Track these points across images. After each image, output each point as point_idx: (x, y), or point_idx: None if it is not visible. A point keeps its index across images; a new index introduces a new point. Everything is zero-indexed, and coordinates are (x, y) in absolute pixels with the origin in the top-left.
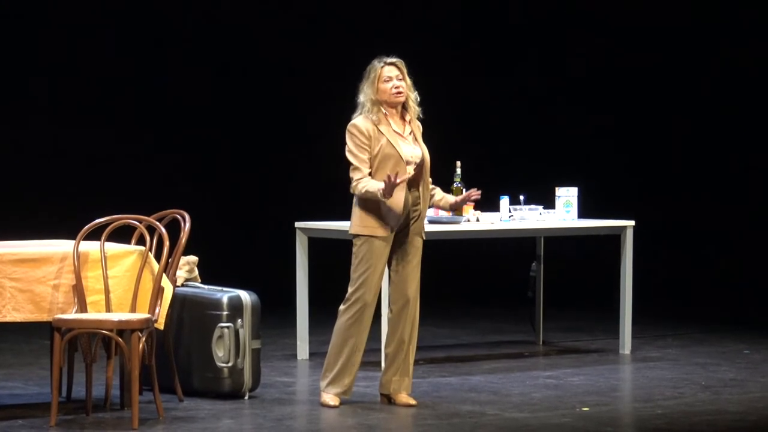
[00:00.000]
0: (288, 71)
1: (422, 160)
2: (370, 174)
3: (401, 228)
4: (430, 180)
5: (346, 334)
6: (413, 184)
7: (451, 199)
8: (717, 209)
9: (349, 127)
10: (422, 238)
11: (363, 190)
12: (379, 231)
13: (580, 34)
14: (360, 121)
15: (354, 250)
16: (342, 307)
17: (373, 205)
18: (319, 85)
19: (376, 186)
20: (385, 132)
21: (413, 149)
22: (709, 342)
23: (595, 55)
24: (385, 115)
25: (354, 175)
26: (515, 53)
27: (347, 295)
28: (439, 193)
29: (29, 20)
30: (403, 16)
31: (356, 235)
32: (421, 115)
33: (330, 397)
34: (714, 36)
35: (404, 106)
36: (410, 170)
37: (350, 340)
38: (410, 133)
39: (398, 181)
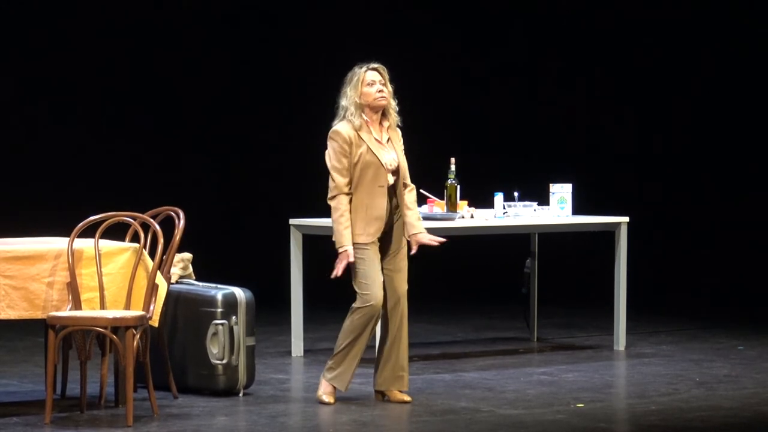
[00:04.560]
0: (282, 68)
1: (398, 166)
2: (350, 184)
3: (386, 231)
4: (413, 185)
5: (356, 332)
6: (393, 190)
7: (411, 229)
8: (711, 206)
9: (330, 133)
10: (406, 237)
11: (334, 219)
12: (362, 238)
13: (577, 30)
14: (342, 128)
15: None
16: (354, 305)
17: (357, 212)
18: (314, 82)
19: (341, 237)
20: (366, 139)
21: (391, 156)
22: (703, 338)
23: (591, 52)
24: (366, 121)
25: (330, 186)
26: (512, 50)
27: (358, 295)
28: (412, 210)
29: (24, 13)
30: (399, 15)
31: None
32: (400, 123)
33: (327, 395)
34: (711, 32)
35: (383, 113)
36: (390, 178)
37: (360, 338)
38: (388, 140)
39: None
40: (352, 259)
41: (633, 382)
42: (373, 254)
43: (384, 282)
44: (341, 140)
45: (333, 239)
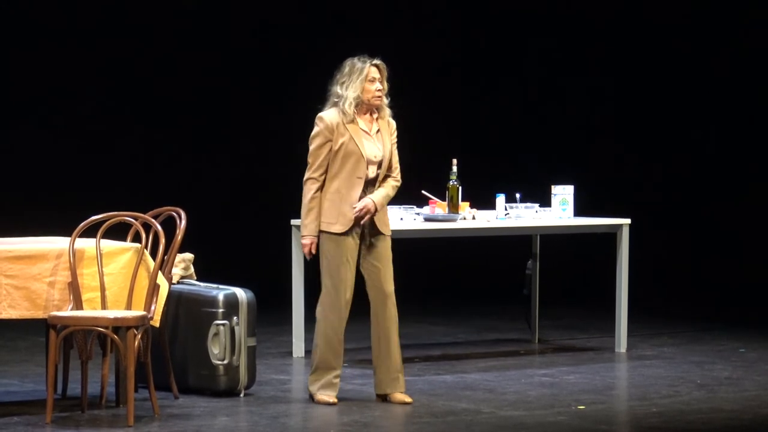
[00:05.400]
0: (283, 68)
1: (382, 159)
2: (321, 171)
3: (366, 226)
4: (399, 177)
5: (325, 332)
6: (374, 182)
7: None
8: (713, 207)
9: (317, 118)
10: (388, 234)
11: (303, 204)
12: (336, 227)
13: (578, 32)
14: (328, 114)
15: (319, 244)
16: (320, 307)
17: (332, 200)
18: (315, 82)
19: (304, 227)
20: (351, 129)
21: (376, 148)
22: (704, 340)
23: (591, 54)
24: (357, 112)
25: (306, 173)
26: (512, 51)
27: (325, 292)
28: (380, 188)
29: (23, 13)
30: (402, 15)
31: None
32: (392, 120)
33: (327, 396)
34: (713, 32)
35: (377, 107)
36: (372, 170)
37: (332, 340)
38: (377, 132)
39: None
40: (313, 251)
41: (634, 384)
42: (345, 247)
43: (370, 282)
44: (324, 126)
45: (302, 219)
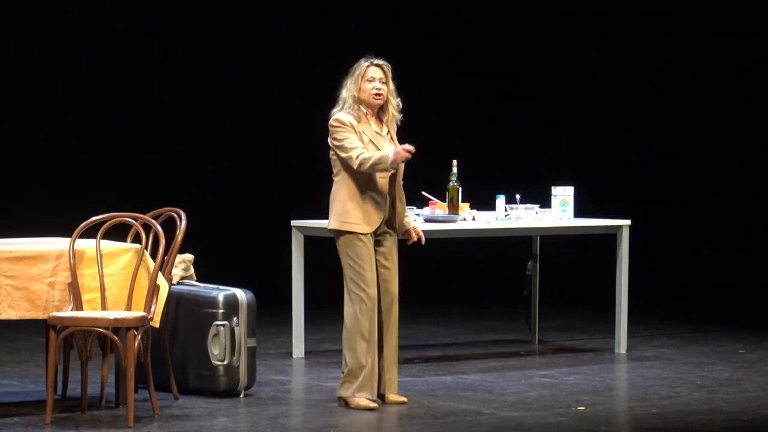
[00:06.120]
0: (283, 68)
1: None
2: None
3: (381, 227)
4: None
5: (361, 333)
6: (391, 184)
7: (403, 227)
8: (713, 208)
9: (331, 121)
10: (398, 236)
11: (371, 162)
12: (361, 228)
13: (578, 33)
14: (342, 116)
15: (340, 247)
16: (352, 310)
17: (357, 200)
18: (316, 83)
19: (384, 153)
20: (366, 131)
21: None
22: (704, 341)
23: (592, 55)
24: (365, 114)
25: (352, 153)
26: (513, 52)
27: (354, 296)
28: (404, 205)
29: (23, 12)
30: (402, 14)
31: (338, 232)
32: (399, 123)
33: (366, 400)
34: (709, 33)
35: (382, 109)
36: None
37: (366, 339)
38: (387, 133)
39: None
40: (408, 146)
41: (634, 385)
42: (369, 249)
43: (379, 283)
44: (342, 124)
45: (382, 166)
